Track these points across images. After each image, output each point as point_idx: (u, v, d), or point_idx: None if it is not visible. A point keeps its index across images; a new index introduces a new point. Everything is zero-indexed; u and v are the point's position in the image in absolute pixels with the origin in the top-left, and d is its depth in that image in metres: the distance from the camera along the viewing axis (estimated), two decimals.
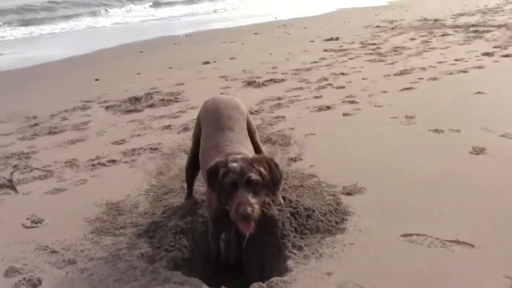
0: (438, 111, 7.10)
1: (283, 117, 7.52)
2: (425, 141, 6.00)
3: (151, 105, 8.80)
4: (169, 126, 7.51)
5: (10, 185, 5.53)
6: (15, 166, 6.17)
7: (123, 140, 6.96)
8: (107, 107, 8.89)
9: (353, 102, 8.02)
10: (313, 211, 4.28)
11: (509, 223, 4.02)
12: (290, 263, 3.73)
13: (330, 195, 4.75)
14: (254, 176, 3.27)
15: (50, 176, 5.80)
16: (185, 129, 7.29)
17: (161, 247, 4.04)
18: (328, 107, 7.81)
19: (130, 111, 8.53)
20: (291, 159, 5.79)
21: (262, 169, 3.36)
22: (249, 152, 3.81)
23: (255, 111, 7.88)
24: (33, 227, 4.59)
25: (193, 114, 7.55)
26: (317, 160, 5.67)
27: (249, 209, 3.15)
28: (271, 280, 3.51)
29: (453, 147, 5.70)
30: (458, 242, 3.81)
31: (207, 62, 12.65)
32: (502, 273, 3.38)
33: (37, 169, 6.05)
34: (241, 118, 4.16)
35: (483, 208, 4.29)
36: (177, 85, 10.34)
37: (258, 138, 4.49)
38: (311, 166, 5.50)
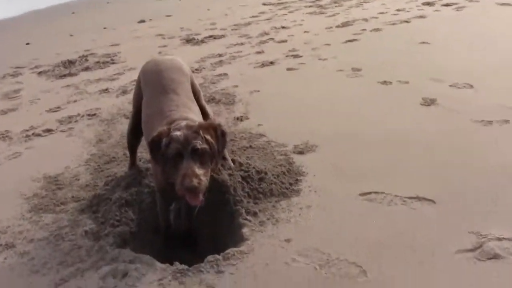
0: (385, 62, 7.00)
1: (225, 74, 7.28)
2: (375, 93, 5.89)
3: (86, 68, 8.36)
4: (106, 89, 7.13)
5: None
6: None
7: (59, 107, 6.56)
8: (39, 73, 8.42)
9: (296, 56, 7.84)
10: (266, 173, 4.09)
11: (466, 176, 3.94)
12: (245, 231, 3.54)
13: (281, 155, 4.57)
14: (199, 144, 3.01)
15: None
16: (124, 92, 6.94)
17: (106, 222, 3.77)
18: (271, 62, 7.60)
19: (64, 76, 8.08)
20: (237, 118, 5.56)
21: (208, 137, 3.11)
22: (197, 116, 3.55)
23: (196, 69, 7.59)
24: None
25: (132, 76, 7.25)
26: (265, 118, 5.46)
27: (195, 181, 2.90)
28: (227, 251, 3.31)
29: (403, 99, 5.59)
30: (418, 198, 3.69)
31: (143, 21, 12.17)
32: (466, 229, 3.28)
33: None
34: (185, 80, 3.86)
35: (440, 162, 4.20)
36: (112, 46, 9.90)
37: (203, 100, 4.20)
38: (258, 125, 5.29)
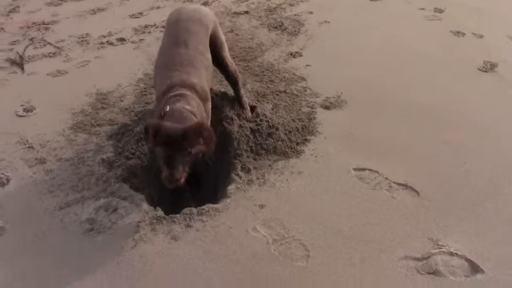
0: (474, 8, 6.46)
1: None
2: (440, 46, 5.58)
3: None
4: None
5: (20, 63, 5.78)
6: (32, 39, 6.39)
7: (140, 13, 6.96)
8: None
9: None
10: (277, 129, 4.24)
11: (472, 174, 3.81)
12: (231, 187, 3.80)
13: (308, 106, 4.65)
14: (185, 145, 3.20)
15: (59, 54, 5.99)
16: (205, 3, 7.12)
17: (122, 153, 4.19)
18: None
19: None
20: (292, 54, 5.62)
21: (195, 137, 3.25)
22: (199, 77, 3.67)
23: None
24: (24, 116, 4.84)
25: None
26: (317, 58, 5.49)
27: (172, 185, 3.15)
28: (203, 207, 3.62)
29: (465, 58, 5.28)
30: (406, 186, 3.70)
31: None
32: (429, 233, 3.31)
33: (50, 44, 6.24)
34: (201, 31, 3.95)
35: (452, 152, 4.06)
36: None
37: (225, 51, 4.27)
38: (306, 65, 5.35)
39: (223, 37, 4.28)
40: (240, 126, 4.23)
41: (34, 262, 3.32)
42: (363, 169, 3.89)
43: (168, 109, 3.35)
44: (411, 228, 3.36)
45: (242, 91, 4.45)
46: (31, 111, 4.91)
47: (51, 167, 4.15)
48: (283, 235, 3.36)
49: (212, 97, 4.29)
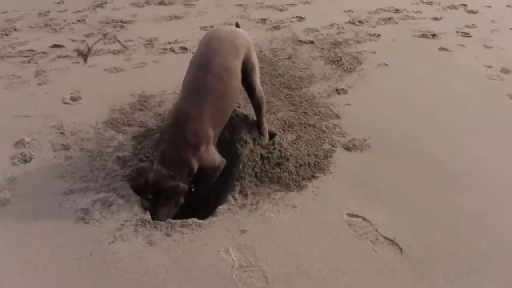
0: None
1: (379, 35, 7.09)
2: (490, 107, 5.34)
3: None
4: (265, 20, 7.53)
5: (85, 55, 6.20)
6: (105, 34, 6.82)
7: (212, 27, 7.18)
8: None
9: (466, 35, 7.19)
10: (287, 160, 4.25)
11: (458, 247, 3.62)
12: (222, 207, 3.86)
13: (330, 144, 4.62)
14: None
15: (122, 53, 6.37)
16: (276, 27, 7.25)
17: (138, 154, 4.41)
18: (433, 35, 7.12)
19: None
20: (337, 90, 5.61)
21: None
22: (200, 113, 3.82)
23: (359, 21, 7.49)
24: (69, 104, 5.22)
25: (297, 11, 7.47)
26: (360, 98, 5.45)
27: None
28: (187, 220, 3.73)
29: (509, 125, 5.03)
30: (392, 242, 3.58)
31: None
32: None
33: (119, 42, 6.64)
34: (230, 52, 4.00)
35: (454, 217, 3.88)
36: None
37: (255, 75, 4.33)
38: (346, 104, 5.32)
39: (255, 61, 4.33)
40: (251, 151, 4.30)
41: (21, 237, 3.57)
42: (357, 216, 3.83)
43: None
44: (379, 285, 3.27)
45: (264, 118, 4.51)
46: (77, 100, 5.27)
47: (71, 155, 4.43)
48: (251, 263, 3.39)
49: (231, 117, 4.43)
